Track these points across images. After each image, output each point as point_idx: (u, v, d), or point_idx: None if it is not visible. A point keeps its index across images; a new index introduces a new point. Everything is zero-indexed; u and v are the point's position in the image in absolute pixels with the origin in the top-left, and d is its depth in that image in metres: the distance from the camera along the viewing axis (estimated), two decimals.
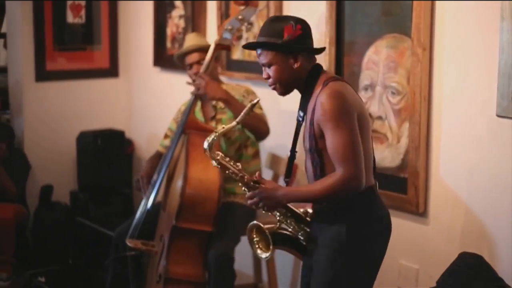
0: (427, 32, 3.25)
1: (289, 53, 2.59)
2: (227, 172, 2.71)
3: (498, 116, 2.98)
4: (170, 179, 3.77)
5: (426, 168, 3.33)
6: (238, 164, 2.72)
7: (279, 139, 3.91)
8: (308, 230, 2.71)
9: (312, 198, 2.59)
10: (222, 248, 3.51)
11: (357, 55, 3.59)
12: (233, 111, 3.54)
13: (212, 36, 4.44)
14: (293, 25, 2.57)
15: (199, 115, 3.86)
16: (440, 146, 3.29)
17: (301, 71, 2.62)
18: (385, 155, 3.46)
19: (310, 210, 2.72)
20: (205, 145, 2.68)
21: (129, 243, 3.65)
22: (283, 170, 3.32)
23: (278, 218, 2.69)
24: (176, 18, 4.91)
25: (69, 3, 5.18)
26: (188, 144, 3.62)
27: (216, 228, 3.54)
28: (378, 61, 3.48)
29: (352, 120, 2.51)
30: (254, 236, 2.73)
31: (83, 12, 5.25)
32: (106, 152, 5.14)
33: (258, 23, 4.14)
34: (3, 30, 5.62)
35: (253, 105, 2.67)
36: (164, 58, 5.03)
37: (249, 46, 2.72)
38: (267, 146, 4.06)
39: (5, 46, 5.58)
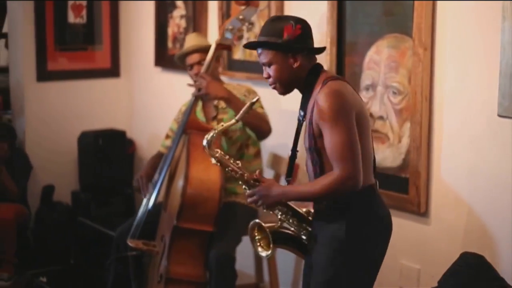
0: (428, 32, 3.25)
1: (288, 53, 2.60)
2: (226, 169, 2.71)
3: (499, 116, 2.97)
4: (171, 179, 3.77)
5: (427, 168, 3.32)
6: (238, 162, 2.72)
7: (280, 138, 3.91)
8: (310, 229, 2.71)
9: (309, 196, 2.59)
10: (223, 248, 3.51)
11: (358, 55, 3.58)
12: (235, 110, 3.54)
13: (213, 36, 4.43)
14: (293, 25, 2.58)
15: (200, 115, 3.85)
16: (441, 146, 3.29)
17: (301, 71, 2.62)
18: (386, 155, 3.46)
19: (312, 210, 2.73)
20: (204, 142, 2.69)
21: (130, 243, 3.65)
22: (284, 169, 3.31)
23: (279, 217, 2.69)
24: (177, 18, 4.91)
25: (70, 3, 5.17)
26: (189, 144, 3.62)
27: (217, 228, 3.54)
28: (379, 61, 3.48)
29: (350, 119, 2.51)
30: (256, 234, 2.74)
31: (84, 12, 5.25)
32: (107, 152, 5.13)
33: (259, 23, 4.13)
34: (5, 30, 5.63)
35: (252, 103, 2.67)
36: (166, 58, 5.02)
37: (249, 46, 2.73)
38: (268, 145, 4.06)
39: (6, 46, 5.58)
